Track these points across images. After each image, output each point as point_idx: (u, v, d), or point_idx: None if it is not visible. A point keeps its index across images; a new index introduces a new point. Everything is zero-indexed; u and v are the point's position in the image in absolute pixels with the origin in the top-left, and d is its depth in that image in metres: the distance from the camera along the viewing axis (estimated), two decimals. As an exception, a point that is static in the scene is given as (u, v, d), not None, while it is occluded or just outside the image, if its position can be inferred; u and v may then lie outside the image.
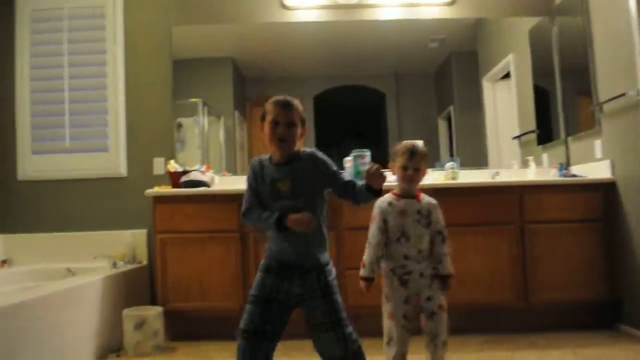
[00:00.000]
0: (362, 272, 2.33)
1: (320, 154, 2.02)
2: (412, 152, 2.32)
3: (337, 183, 2.00)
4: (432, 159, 3.79)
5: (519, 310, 3.19)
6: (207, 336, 3.14)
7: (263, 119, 2.02)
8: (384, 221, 2.33)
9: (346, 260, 3.14)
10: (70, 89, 3.91)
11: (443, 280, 2.31)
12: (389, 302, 2.31)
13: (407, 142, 2.40)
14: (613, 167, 3.21)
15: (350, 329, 1.96)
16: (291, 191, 1.95)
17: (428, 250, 2.31)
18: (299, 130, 1.99)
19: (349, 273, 3.12)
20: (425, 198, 2.36)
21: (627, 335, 3.05)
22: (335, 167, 2.02)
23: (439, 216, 2.34)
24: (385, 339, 2.30)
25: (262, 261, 2.03)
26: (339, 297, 1.98)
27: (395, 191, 2.38)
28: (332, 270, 2.02)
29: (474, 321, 3.21)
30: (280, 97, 2.00)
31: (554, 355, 2.71)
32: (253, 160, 2.08)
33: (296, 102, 2.00)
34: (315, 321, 1.96)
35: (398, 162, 2.35)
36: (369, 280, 2.32)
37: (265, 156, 2.06)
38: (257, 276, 2.01)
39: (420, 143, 2.42)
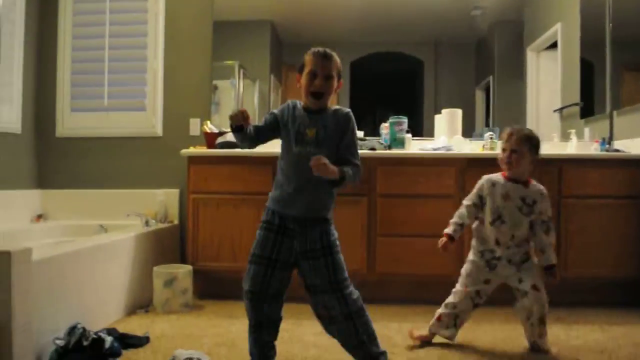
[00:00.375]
0: (447, 229, 2.38)
1: (353, 119, 2.01)
2: (511, 133, 2.31)
3: (343, 154, 1.97)
4: (468, 129, 3.73)
5: (550, 284, 3.12)
6: (235, 296, 3.14)
7: (301, 70, 1.99)
8: (480, 198, 2.36)
9: (378, 227, 3.12)
10: (110, 47, 3.93)
11: (547, 270, 2.33)
12: (467, 278, 2.40)
13: (515, 126, 2.40)
14: (660, 143, 3.09)
15: (351, 288, 1.98)
16: (316, 139, 1.94)
17: (523, 238, 2.32)
18: (335, 83, 1.97)
19: (381, 240, 3.12)
20: (535, 186, 2.33)
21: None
22: (356, 141, 2.02)
23: (546, 206, 2.32)
24: (446, 300, 2.44)
25: (263, 217, 2.03)
26: (340, 257, 1.99)
27: (506, 173, 2.35)
28: (335, 232, 2.02)
29: (503, 293, 3.16)
30: (320, 48, 1.97)
31: (582, 330, 2.67)
32: (287, 102, 2.06)
33: (335, 54, 1.97)
34: (315, 282, 1.96)
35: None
36: (451, 238, 2.36)
37: (300, 102, 2.05)
38: (258, 234, 2.01)
39: (528, 128, 2.41)
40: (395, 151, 3.29)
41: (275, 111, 2.06)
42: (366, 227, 3.12)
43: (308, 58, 1.96)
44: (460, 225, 2.36)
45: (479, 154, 3.20)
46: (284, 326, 2.62)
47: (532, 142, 2.30)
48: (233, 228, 3.19)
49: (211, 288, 3.29)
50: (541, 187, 2.33)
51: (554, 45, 3.93)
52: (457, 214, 2.40)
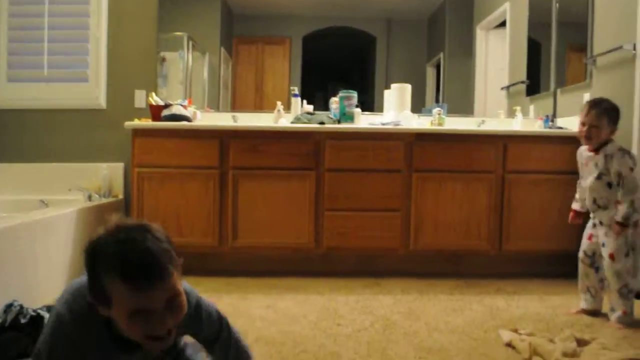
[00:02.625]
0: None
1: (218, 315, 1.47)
2: (590, 108, 2.40)
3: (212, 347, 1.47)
4: (418, 105, 3.76)
5: (492, 257, 3.21)
6: (182, 272, 3.13)
7: (99, 297, 1.15)
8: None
9: (326, 201, 3.12)
10: (50, 14, 3.73)
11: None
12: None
13: (594, 98, 2.47)
14: (599, 120, 3.17)
15: None
16: None
17: (605, 201, 2.41)
18: (184, 300, 1.22)
19: (328, 214, 3.12)
20: (605, 150, 2.39)
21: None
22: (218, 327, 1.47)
23: (610, 164, 2.36)
24: None
25: None
26: None
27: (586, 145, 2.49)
28: None
29: (448, 266, 3.24)
30: (133, 259, 1.11)
31: (522, 300, 2.75)
32: (65, 325, 1.19)
33: (163, 249, 1.16)
34: None
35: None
36: (577, 212, 2.65)
37: (93, 319, 1.19)
38: None
39: (607, 100, 2.46)
40: (344, 125, 3.27)
41: (55, 339, 1.20)
42: (314, 201, 3.11)
43: (116, 288, 1.11)
44: (581, 199, 2.58)
45: (426, 129, 3.23)
46: (228, 301, 2.63)
47: (610, 114, 2.38)
48: (179, 202, 3.13)
49: (157, 264, 3.23)
50: (611, 147, 2.38)
51: (502, 24, 3.98)
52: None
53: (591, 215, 2.54)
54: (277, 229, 3.11)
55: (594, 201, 2.45)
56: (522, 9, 3.90)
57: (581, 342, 2.09)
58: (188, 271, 3.06)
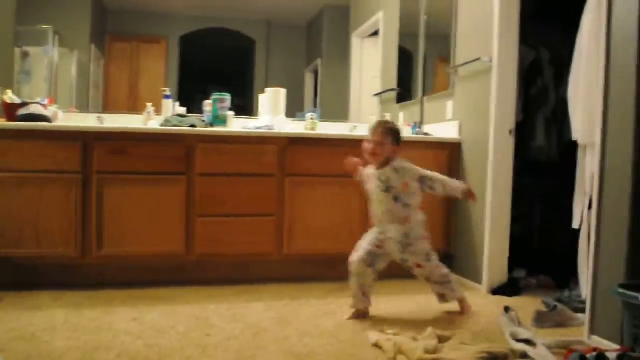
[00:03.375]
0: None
1: None
2: (376, 128, 2.53)
3: None
4: (294, 110, 3.79)
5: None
6: (40, 285, 2.90)
7: None
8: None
9: (197, 207, 3.04)
10: None
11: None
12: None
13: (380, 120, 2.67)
14: (460, 127, 3.39)
15: None
16: None
17: (393, 214, 2.52)
18: None
19: (200, 220, 3.05)
20: (393, 165, 2.50)
21: (459, 283, 3.28)
22: None
23: (403, 178, 2.50)
24: None
25: None
26: None
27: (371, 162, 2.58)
28: None
29: (322, 269, 3.28)
30: None
31: (391, 301, 2.86)
32: None
33: None
34: None
35: None
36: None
37: None
38: None
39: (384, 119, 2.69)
40: (217, 129, 3.22)
41: None
42: (184, 207, 3.02)
43: None
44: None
45: (300, 133, 3.27)
46: (90, 316, 2.48)
47: (393, 133, 2.52)
48: (37, 210, 2.89)
49: (11, 277, 2.95)
50: (398, 162, 2.51)
51: (377, 33, 4.13)
52: None
53: (377, 227, 2.60)
54: (146, 236, 2.98)
55: (382, 213, 2.55)
56: (393, 19, 4.07)
57: (442, 339, 2.20)
58: (47, 285, 2.86)
